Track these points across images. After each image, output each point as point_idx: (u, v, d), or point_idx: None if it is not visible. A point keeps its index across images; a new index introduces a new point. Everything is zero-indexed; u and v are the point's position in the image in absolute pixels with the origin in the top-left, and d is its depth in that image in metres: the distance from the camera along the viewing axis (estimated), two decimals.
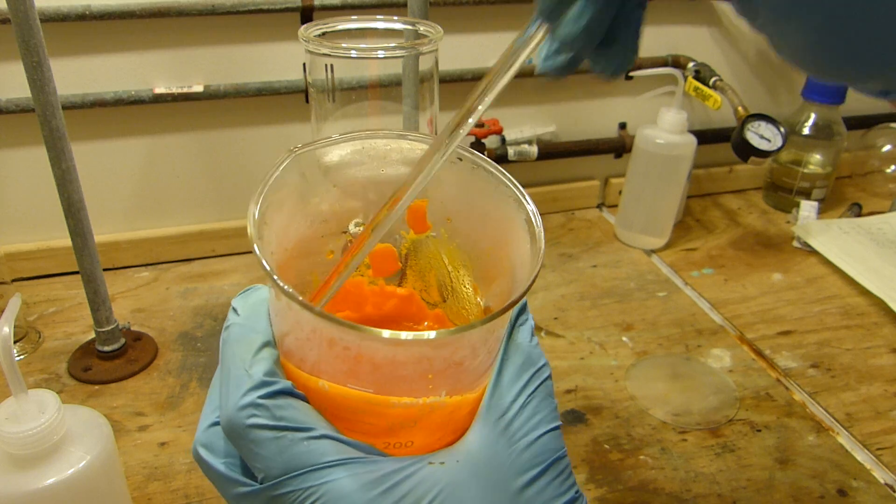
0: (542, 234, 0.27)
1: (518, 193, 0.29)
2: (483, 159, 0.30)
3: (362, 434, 0.27)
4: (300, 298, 0.23)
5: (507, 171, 0.30)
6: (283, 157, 0.29)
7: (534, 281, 0.26)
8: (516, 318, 0.31)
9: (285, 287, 0.24)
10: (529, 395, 0.29)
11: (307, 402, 0.27)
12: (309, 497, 0.25)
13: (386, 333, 0.23)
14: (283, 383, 0.26)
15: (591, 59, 0.27)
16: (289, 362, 0.28)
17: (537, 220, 0.28)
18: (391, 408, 0.26)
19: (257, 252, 0.25)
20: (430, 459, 0.26)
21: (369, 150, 0.31)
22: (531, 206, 0.28)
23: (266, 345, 0.27)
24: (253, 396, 0.25)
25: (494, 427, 0.28)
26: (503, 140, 0.85)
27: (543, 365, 0.30)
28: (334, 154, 0.31)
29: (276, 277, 0.24)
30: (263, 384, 0.26)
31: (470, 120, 0.26)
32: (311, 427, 0.25)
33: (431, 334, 0.23)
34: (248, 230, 0.26)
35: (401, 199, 0.27)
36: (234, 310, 0.30)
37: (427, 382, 0.26)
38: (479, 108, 0.26)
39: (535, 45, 0.26)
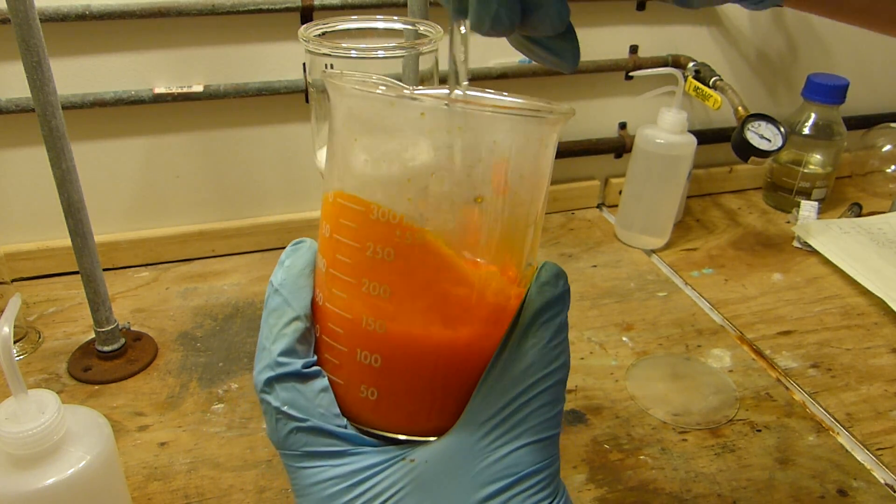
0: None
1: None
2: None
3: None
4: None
5: None
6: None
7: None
8: (539, 313, 0.28)
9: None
10: (525, 401, 0.27)
11: (323, 377, 0.28)
12: (290, 476, 0.28)
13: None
14: (293, 366, 0.28)
15: (530, 38, 0.27)
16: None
17: None
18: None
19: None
20: (407, 454, 0.27)
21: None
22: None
23: (295, 319, 0.29)
24: (266, 374, 0.28)
25: (473, 433, 0.27)
26: None
27: (558, 367, 0.28)
28: None
29: None
30: (277, 364, 0.28)
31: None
32: (304, 418, 0.28)
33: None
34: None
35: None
36: (282, 265, 0.30)
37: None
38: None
39: (464, 43, 0.28)
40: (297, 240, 0.31)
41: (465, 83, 0.29)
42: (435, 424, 0.28)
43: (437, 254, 0.26)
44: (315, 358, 0.29)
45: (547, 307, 0.28)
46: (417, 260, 0.26)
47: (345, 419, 0.28)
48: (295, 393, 0.28)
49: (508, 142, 0.26)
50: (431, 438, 0.28)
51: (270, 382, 0.28)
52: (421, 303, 0.27)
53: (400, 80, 0.57)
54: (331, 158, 0.29)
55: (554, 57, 0.27)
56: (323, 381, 0.28)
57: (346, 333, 0.28)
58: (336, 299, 0.28)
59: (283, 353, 0.28)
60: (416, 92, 0.30)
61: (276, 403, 0.28)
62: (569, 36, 0.26)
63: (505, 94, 0.31)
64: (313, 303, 0.29)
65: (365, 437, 0.28)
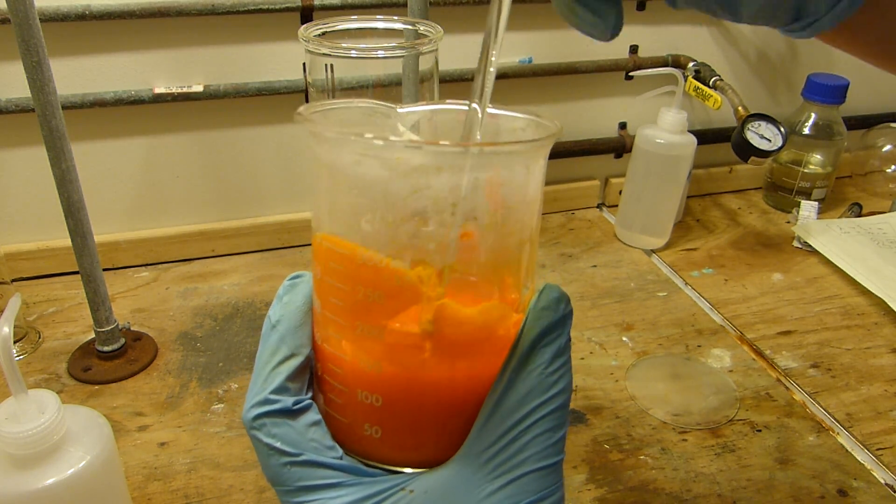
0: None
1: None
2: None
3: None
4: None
5: None
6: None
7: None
8: (538, 339, 0.28)
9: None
10: (525, 429, 0.27)
11: (314, 411, 0.28)
12: None
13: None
14: (284, 403, 0.28)
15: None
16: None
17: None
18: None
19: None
20: (406, 484, 0.27)
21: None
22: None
23: (289, 357, 0.29)
24: (255, 411, 0.28)
25: (474, 461, 0.27)
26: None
27: (557, 392, 0.27)
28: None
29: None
30: (267, 401, 0.28)
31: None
32: (297, 452, 0.27)
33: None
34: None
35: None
36: (279, 300, 0.30)
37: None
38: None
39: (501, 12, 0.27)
40: (295, 274, 0.31)
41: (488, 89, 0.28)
42: (443, 455, 0.28)
43: (426, 295, 0.26)
44: (307, 395, 0.29)
45: (545, 332, 0.28)
46: (408, 301, 0.26)
47: (339, 450, 0.28)
48: (286, 428, 0.28)
49: (491, 177, 0.26)
50: (434, 469, 0.28)
51: (260, 418, 0.28)
52: (433, 343, 0.27)
53: (399, 82, 0.57)
54: (315, 199, 0.29)
55: (595, 18, 0.26)
56: (314, 416, 0.28)
57: (346, 373, 0.28)
58: (332, 340, 0.28)
59: (275, 391, 0.28)
60: (400, 110, 0.30)
61: (266, 440, 0.27)
62: None
63: (497, 109, 0.30)
64: (313, 341, 0.30)
65: (361, 466, 0.28)
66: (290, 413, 0.28)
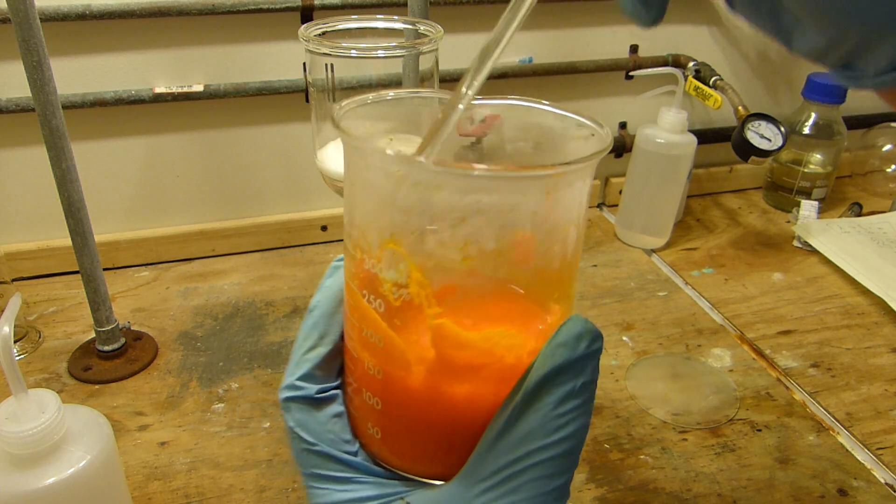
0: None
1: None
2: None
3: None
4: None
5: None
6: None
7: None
8: (547, 378, 0.25)
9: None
10: (521, 470, 0.25)
11: (338, 403, 0.29)
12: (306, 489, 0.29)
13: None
14: (308, 391, 0.29)
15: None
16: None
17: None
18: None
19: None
20: (405, 495, 0.27)
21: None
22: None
23: (318, 345, 0.29)
24: (284, 394, 0.29)
25: (470, 490, 0.26)
26: (502, 136, 0.85)
27: (562, 438, 0.25)
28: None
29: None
30: (294, 387, 0.29)
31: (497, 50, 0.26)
32: (314, 442, 0.28)
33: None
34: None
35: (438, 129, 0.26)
36: (322, 285, 0.31)
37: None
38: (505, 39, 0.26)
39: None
40: (340, 256, 0.30)
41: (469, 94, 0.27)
42: (439, 471, 0.28)
43: (427, 314, 0.26)
44: (334, 383, 0.29)
45: (557, 372, 0.25)
46: (409, 317, 0.26)
47: (356, 444, 0.29)
48: (308, 416, 0.28)
49: (495, 201, 0.25)
50: (437, 482, 0.28)
51: (287, 402, 0.29)
52: (414, 357, 0.26)
53: (399, 81, 0.57)
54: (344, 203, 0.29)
55: (640, 7, 0.25)
56: (337, 407, 0.29)
57: (355, 372, 0.28)
58: (348, 338, 0.29)
59: (301, 378, 0.29)
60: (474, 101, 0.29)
61: (290, 423, 0.28)
62: None
63: (541, 103, 0.30)
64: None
65: (372, 466, 0.29)
66: (313, 402, 0.29)
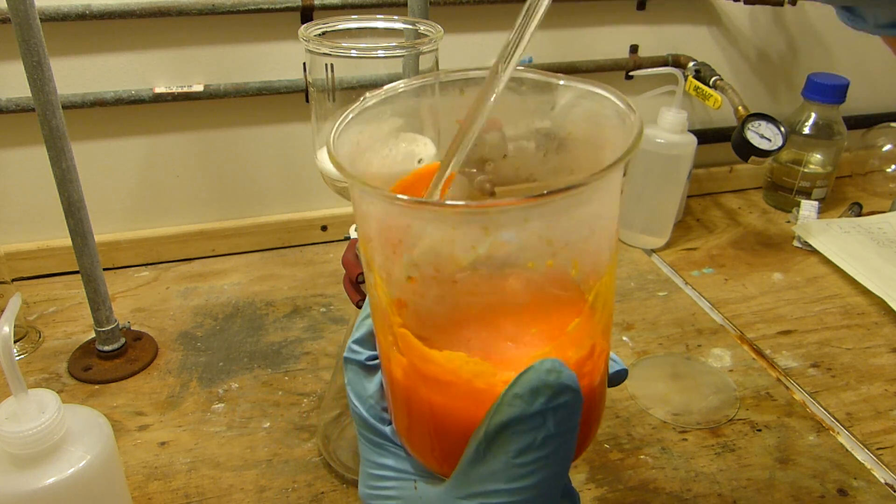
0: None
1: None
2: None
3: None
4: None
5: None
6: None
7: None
8: (504, 426, 0.24)
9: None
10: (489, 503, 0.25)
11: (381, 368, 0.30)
12: None
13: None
14: (359, 356, 0.30)
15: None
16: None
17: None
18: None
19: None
20: (417, 480, 0.28)
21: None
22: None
23: (369, 316, 0.31)
24: (345, 354, 0.31)
25: (455, 497, 0.26)
26: (503, 136, 0.85)
27: (523, 487, 0.24)
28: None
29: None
30: (350, 349, 0.31)
31: (523, 40, 0.26)
32: (356, 404, 0.30)
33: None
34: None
35: (470, 126, 0.26)
36: None
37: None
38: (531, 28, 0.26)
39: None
40: None
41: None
42: (435, 467, 0.28)
43: (392, 321, 0.26)
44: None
45: (513, 423, 0.23)
46: (386, 315, 0.27)
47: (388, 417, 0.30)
48: (357, 378, 0.30)
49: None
50: (441, 477, 0.28)
51: (346, 362, 0.30)
52: (394, 356, 0.27)
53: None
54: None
55: None
56: (382, 377, 0.30)
57: (379, 348, 0.29)
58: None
59: (357, 341, 0.30)
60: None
61: (345, 380, 0.30)
62: None
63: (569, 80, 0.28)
64: None
65: (396, 441, 0.30)
66: (363, 367, 0.30)
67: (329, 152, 0.25)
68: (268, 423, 0.57)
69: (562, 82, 0.28)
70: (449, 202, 0.23)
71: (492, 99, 0.26)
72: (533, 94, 0.29)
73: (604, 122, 0.27)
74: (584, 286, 0.26)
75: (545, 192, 0.21)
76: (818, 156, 0.92)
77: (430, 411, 0.27)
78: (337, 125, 0.27)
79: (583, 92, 0.28)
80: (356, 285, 0.48)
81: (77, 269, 0.60)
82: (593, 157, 0.28)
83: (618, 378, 0.31)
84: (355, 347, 0.30)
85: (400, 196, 0.22)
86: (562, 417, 0.23)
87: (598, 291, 0.26)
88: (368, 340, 0.30)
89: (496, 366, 0.25)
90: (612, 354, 0.30)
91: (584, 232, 0.25)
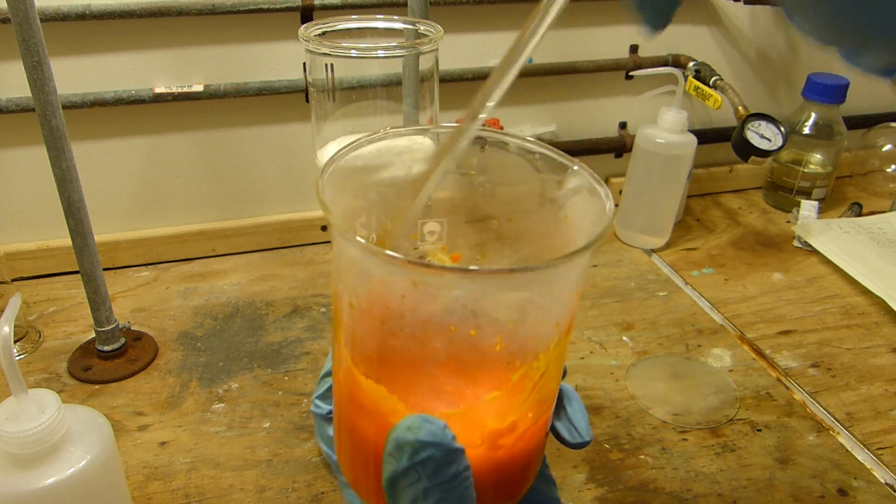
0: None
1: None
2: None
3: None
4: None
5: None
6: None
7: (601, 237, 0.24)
8: (390, 482, 0.24)
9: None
10: None
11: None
12: None
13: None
14: (322, 410, 0.34)
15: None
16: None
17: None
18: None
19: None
20: None
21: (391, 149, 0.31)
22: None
23: (329, 374, 0.33)
24: (311, 407, 0.35)
25: None
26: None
27: None
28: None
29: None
30: (315, 404, 0.34)
31: (497, 92, 0.26)
32: (326, 450, 0.34)
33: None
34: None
35: (424, 187, 0.27)
36: None
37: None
38: (507, 78, 0.26)
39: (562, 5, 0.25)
40: None
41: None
42: (367, 498, 0.29)
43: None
44: None
45: (393, 478, 0.24)
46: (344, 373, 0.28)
47: None
48: (322, 429, 0.34)
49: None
50: None
51: (312, 413, 0.34)
52: (343, 380, 0.28)
53: (399, 81, 0.57)
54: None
55: (647, 16, 0.26)
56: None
57: (333, 364, 0.31)
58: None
59: (319, 397, 0.34)
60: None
61: (316, 429, 0.34)
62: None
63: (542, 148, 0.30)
64: None
65: None
66: (326, 419, 0.34)
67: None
68: (268, 423, 0.57)
69: (576, 167, 0.29)
70: (386, 251, 0.22)
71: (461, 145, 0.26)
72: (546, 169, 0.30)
73: (591, 215, 0.28)
74: (510, 364, 0.26)
75: (471, 268, 0.23)
76: (818, 156, 0.92)
77: (359, 436, 0.27)
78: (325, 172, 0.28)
79: (588, 184, 0.28)
80: None
81: (77, 269, 0.60)
82: (564, 241, 0.28)
83: (578, 447, 0.30)
84: (318, 402, 0.33)
85: (349, 234, 0.23)
86: (431, 471, 0.23)
87: (526, 373, 0.25)
88: (329, 396, 0.33)
89: (410, 409, 0.25)
90: (576, 421, 0.30)
91: (512, 315, 0.25)
